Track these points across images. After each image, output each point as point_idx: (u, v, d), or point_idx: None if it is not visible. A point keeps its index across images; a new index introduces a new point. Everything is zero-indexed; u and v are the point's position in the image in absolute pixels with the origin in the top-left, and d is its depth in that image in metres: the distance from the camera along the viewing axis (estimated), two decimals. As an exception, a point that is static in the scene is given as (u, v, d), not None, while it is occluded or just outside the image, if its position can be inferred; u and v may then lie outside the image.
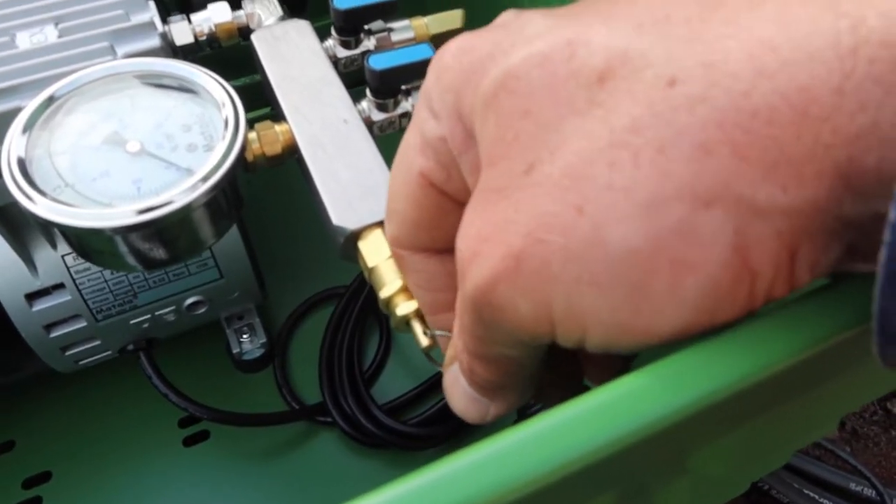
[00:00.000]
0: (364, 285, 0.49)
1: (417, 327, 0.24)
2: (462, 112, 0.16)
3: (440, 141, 0.17)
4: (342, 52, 0.32)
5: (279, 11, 0.34)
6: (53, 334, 0.37)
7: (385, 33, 0.33)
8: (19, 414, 0.45)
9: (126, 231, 0.25)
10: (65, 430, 0.45)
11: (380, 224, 0.26)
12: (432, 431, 0.44)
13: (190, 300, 0.39)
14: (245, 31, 0.33)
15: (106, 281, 0.36)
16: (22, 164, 0.25)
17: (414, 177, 0.18)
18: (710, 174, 0.12)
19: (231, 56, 0.35)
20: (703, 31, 0.13)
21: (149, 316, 0.39)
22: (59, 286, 0.36)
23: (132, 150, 0.26)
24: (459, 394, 0.20)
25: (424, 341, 0.24)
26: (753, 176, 0.12)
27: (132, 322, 0.39)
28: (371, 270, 0.25)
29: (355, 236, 0.26)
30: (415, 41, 0.33)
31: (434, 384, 0.47)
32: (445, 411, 0.45)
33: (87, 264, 0.36)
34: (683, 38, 0.13)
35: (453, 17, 0.34)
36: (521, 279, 0.14)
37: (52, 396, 0.46)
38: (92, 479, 0.44)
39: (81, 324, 0.37)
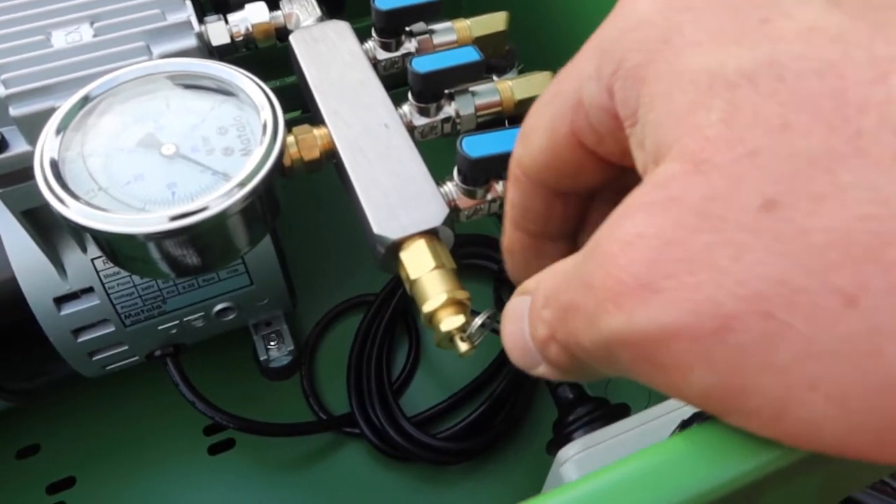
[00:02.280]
0: (393, 294, 0.48)
1: (461, 344, 0.23)
2: (646, 78, 0.13)
3: (600, 110, 0.15)
4: (383, 55, 0.31)
5: (318, 12, 0.33)
6: (81, 339, 0.36)
7: (427, 35, 0.32)
8: (44, 418, 0.45)
9: (159, 238, 0.24)
10: (89, 436, 0.45)
11: (423, 234, 0.25)
12: (462, 447, 0.43)
13: (219, 306, 0.39)
14: (282, 32, 0.33)
15: (135, 286, 0.36)
16: (55, 165, 0.25)
17: (561, 130, 0.16)
18: None
19: (264, 57, 0.35)
20: None
21: (177, 322, 0.38)
22: (88, 290, 0.35)
23: (167, 153, 0.26)
24: (517, 331, 0.17)
25: (464, 347, 0.23)
26: None
27: (160, 328, 0.38)
28: (413, 283, 0.24)
29: (396, 246, 0.25)
30: (457, 44, 0.32)
31: (464, 397, 0.46)
32: (476, 427, 0.44)
33: (117, 268, 0.35)
34: None
35: (497, 20, 0.33)
36: (718, 351, 0.11)
37: (77, 401, 0.45)
38: (115, 485, 0.43)
39: (110, 329, 0.37)
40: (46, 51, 0.29)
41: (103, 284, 0.35)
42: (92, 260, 0.35)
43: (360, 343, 0.46)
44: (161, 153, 0.26)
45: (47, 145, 0.25)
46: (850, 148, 0.11)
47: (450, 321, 0.23)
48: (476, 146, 0.27)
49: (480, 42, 0.32)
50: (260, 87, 0.27)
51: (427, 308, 0.23)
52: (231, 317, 0.39)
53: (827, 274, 0.10)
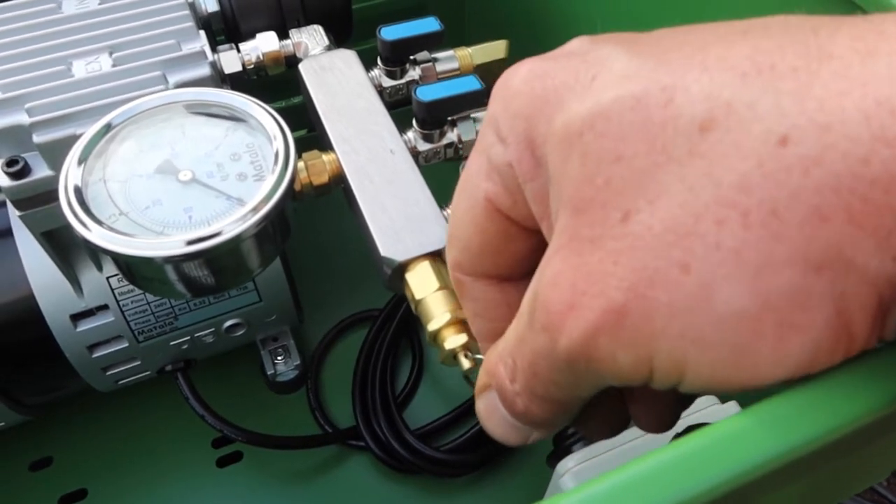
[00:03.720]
0: (397, 309, 0.49)
1: (464, 361, 0.24)
2: (534, 140, 0.16)
3: (507, 167, 0.17)
4: (388, 82, 0.33)
5: (325, 41, 0.34)
6: (96, 354, 0.37)
7: (430, 63, 0.33)
8: (57, 430, 0.46)
9: (176, 261, 0.25)
10: (101, 448, 0.46)
11: (427, 256, 0.26)
12: (465, 459, 0.44)
13: (229, 322, 0.40)
14: (292, 60, 0.34)
15: (148, 303, 0.37)
16: (78, 191, 0.26)
17: (479, 202, 0.18)
18: (824, 240, 0.12)
19: (270, 80, 0.36)
20: (813, 84, 0.13)
21: (188, 338, 0.39)
22: (103, 307, 0.36)
23: (184, 178, 0.27)
24: (498, 421, 0.20)
25: (468, 364, 0.24)
26: (867, 244, 0.12)
27: (172, 343, 0.39)
28: (418, 303, 0.25)
29: (402, 268, 0.26)
30: (459, 71, 0.34)
31: (466, 410, 0.47)
32: (478, 439, 0.45)
33: (132, 286, 0.36)
34: (793, 93, 0.13)
35: (497, 48, 0.34)
36: (623, 333, 0.14)
37: (89, 414, 0.46)
38: (126, 497, 0.44)
39: (123, 344, 0.38)
40: (67, 80, 0.31)
41: (118, 302, 0.36)
42: (107, 278, 0.36)
43: (365, 357, 0.47)
44: (178, 179, 0.27)
45: (71, 171, 0.26)
46: (663, 157, 0.14)
47: (453, 339, 0.24)
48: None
49: (481, 69, 0.34)
50: (271, 115, 0.28)
51: (431, 327, 0.24)
52: (240, 333, 0.41)
53: (669, 252, 0.13)
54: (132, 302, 0.37)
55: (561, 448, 0.38)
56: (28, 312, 0.35)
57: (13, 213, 0.36)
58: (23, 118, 0.30)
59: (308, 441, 0.44)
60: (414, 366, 0.49)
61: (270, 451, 0.44)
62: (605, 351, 0.14)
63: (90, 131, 0.27)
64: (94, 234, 0.25)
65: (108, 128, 0.27)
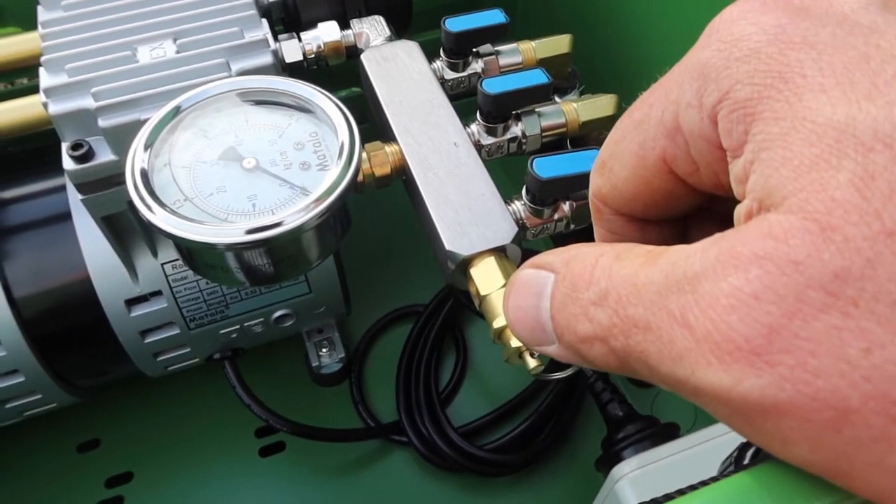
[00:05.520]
0: (442, 306, 0.49)
1: (530, 360, 0.23)
2: (759, 115, 0.13)
3: (700, 139, 0.14)
4: (450, 74, 0.32)
5: (387, 31, 0.34)
6: (148, 340, 0.38)
7: (493, 56, 0.32)
8: (104, 413, 0.46)
9: (238, 248, 0.25)
10: (146, 432, 0.46)
11: (492, 251, 0.25)
12: (508, 459, 0.43)
13: (278, 313, 0.40)
14: (352, 51, 0.34)
15: (201, 290, 0.37)
16: (145, 175, 0.26)
17: (651, 158, 0.16)
18: None
19: (319, 71, 0.35)
20: None
21: (238, 326, 0.39)
22: (157, 293, 0.36)
23: (248, 166, 0.27)
24: (528, 313, 0.17)
25: (533, 363, 0.23)
26: None
27: (222, 332, 0.39)
28: (483, 298, 0.24)
29: (466, 263, 0.25)
30: (522, 65, 0.33)
31: (510, 410, 0.46)
32: (521, 439, 0.44)
33: (185, 273, 0.36)
34: None
35: (561, 42, 0.34)
36: (827, 436, 0.11)
37: (135, 398, 0.47)
38: (171, 482, 0.44)
39: (175, 331, 0.38)
40: (132, 66, 0.31)
41: (171, 288, 0.36)
42: (162, 265, 0.36)
43: (410, 353, 0.47)
44: (242, 166, 0.27)
45: (138, 155, 0.26)
46: None
47: (519, 338, 0.23)
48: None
49: (544, 63, 0.33)
50: (337, 105, 0.28)
51: (497, 324, 0.24)
52: (289, 323, 0.41)
53: None
54: (185, 289, 0.37)
55: (611, 453, 0.37)
56: (84, 296, 0.36)
57: (73, 198, 0.36)
58: (88, 102, 0.30)
59: (352, 434, 0.44)
60: (458, 363, 0.48)
61: (313, 442, 0.44)
62: (780, 433, 0.12)
63: (158, 115, 0.27)
64: (159, 218, 0.25)
65: (176, 111, 0.27)
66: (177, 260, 0.36)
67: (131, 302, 0.36)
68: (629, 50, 0.41)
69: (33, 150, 0.39)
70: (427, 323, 0.48)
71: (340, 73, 0.35)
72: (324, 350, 0.46)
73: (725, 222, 0.19)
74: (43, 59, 0.31)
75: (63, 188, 0.36)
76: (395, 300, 0.51)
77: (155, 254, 0.36)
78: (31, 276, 0.36)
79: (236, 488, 0.44)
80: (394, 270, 0.53)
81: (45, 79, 0.31)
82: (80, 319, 0.37)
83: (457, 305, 0.49)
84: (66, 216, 0.36)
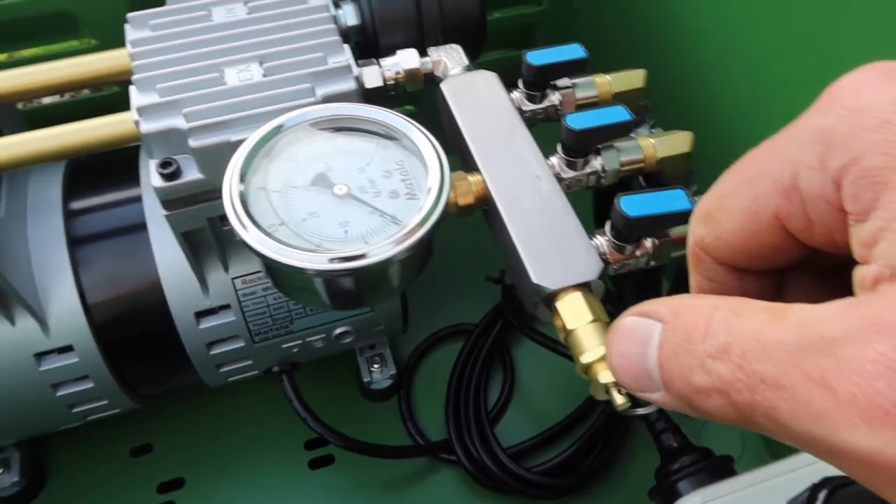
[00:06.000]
0: (492, 326, 0.49)
1: (617, 396, 0.24)
2: (891, 182, 0.13)
3: (820, 200, 0.15)
4: (527, 106, 0.33)
5: (464, 61, 0.34)
6: (213, 351, 0.38)
7: (570, 89, 0.33)
8: (158, 419, 0.47)
9: (328, 275, 0.26)
10: (198, 440, 0.47)
11: (578, 287, 0.26)
12: (557, 482, 0.44)
13: (340, 329, 0.40)
14: (430, 78, 0.34)
15: (268, 306, 0.38)
16: (242, 197, 0.26)
17: (764, 213, 0.16)
18: None
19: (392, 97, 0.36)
20: None
21: (300, 342, 0.40)
22: (226, 307, 0.37)
23: (339, 193, 0.27)
24: (633, 360, 0.17)
25: (620, 400, 0.24)
26: None
27: (284, 346, 0.40)
28: (570, 333, 0.25)
29: (552, 296, 0.26)
30: (597, 98, 0.34)
31: (557, 433, 0.47)
32: (570, 463, 0.45)
33: (254, 288, 0.37)
34: None
35: (636, 77, 0.34)
36: None
37: (187, 405, 0.48)
38: (221, 490, 0.45)
39: (240, 344, 0.39)
40: (221, 87, 0.32)
41: (240, 303, 0.37)
42: (232, 279, 0.37)
43: (460, 372, 0.48)
44: (333, 193, 0.27)
45: (234, 178, 0.27)
46: None
47: (608, 374, 0.24)
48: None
49: (618, 97, 0.34)
50: (426, 135, 0.28)
51: (585, 359, 0.24)
52: (349, 340, 0.41)
53: None
54: (253, 304, 0.37)
55: (666, 484, 0.38)
56: (156, 306, 0.37)
57: (149, 210, 0.37)
58: (179, 122, 0.31)
59: (403, 451, 0.44)
60: (505, 384, 0.49)
61: (361, 457, 0.44)
62: None
63: (255, 137, 0.28)
64: (252, 238, 0.26)
65: (277, 130, 0.28)
66: (247, 275, 0.37)
67: (201, 314, 0.37)
68: (702, 88, 0.41)
69: (109, 160, 0.40)
70: (477, 342, 0.49)
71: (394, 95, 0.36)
72: (375, 366, 0.47)
73: (823, 276, 0.20)
74: (134, 77, 0.32)
75: (139, 199, 0.37)
76: (442, 319, 0.52)
77: (226, 268, 0.37)
78: (105, 283, 0.37)
79: (285, 499, 0.45)
80: (442, 289, 0.53)
81: (137, 97, 0.31)
82: (150, 328, 0.38)
83: (506, 326, 0.49)
84: (141, 227, 0.37)
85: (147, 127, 0.31)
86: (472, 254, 0.51)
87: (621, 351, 0.18)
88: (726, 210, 0.18)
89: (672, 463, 0.38)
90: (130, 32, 0.34)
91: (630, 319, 0.18)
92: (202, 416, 0.48)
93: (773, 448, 0.46)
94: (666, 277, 0.43)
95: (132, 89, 0.32)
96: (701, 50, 0.43)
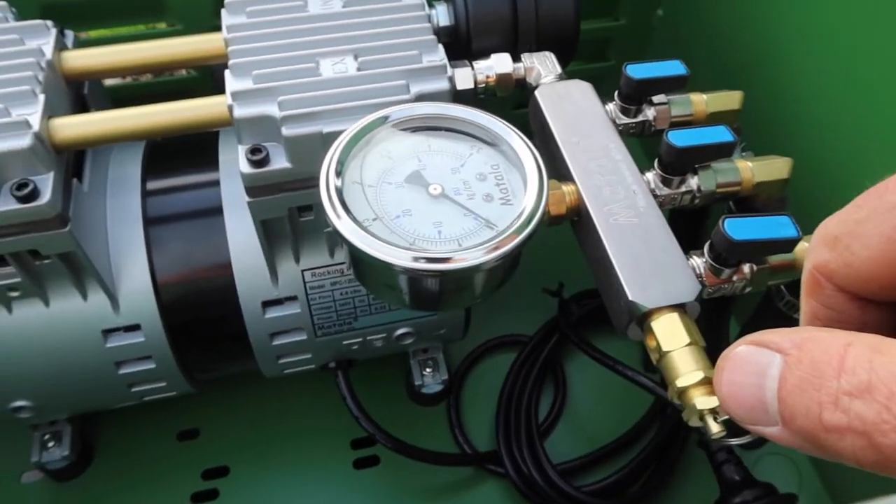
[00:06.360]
0: (547, 340, 0.49)
1: (712, 424, 0.23)
2: None
3: None
4: (621, 119, 0.32)
5: (557, 69, 0.34)
6: (276, 342, 0.38)
7: (665, 105, 0.32)
8: (206, 403, 0.47)
9: (419, 275, 0.25)
10: (244, 429, 0.47)
11: (674, 307, 0.25)
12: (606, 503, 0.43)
13: (401, 330, 0.40)
14: (521, 84, 0.34)
15: (334, 301, 0.37)
16: (339, 191, 0.26)
17: None
18: None
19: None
20: None
21: (360, 339, 0.40)
22: (293, 298, 0.37)
23: (434, 192, 0.27)
24: (748, 391, 0.16)
25: (716, 428, 0.23)
26: None
27: (344, 342, 0.40)
28: (664, 355, 0.24)
29: (647, 315, 0.25)
30: (692, 117, 0.33)
31: (608, 453, 0.46)
32: (619, 485, 0.44)
33: (322, 282, 0.37)
34: None
35: (733, 98, 0.33)
36: None
37: (235, 392, 0.48)
38: (265, 482, 0.45)
39: (302, 336, 0.38)
40: (316, 78, 0.31)
41: (307, 295, 0.37)
42: (302, 271, 0.37)
43: (511, 384, 0.47)
44: (428, 192, 0.27)
45: (332, 167, 0.26)
46: None
47: (704, 400, 0.23)
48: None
49: (715, 117, 0.33)
50: (525, 142, 0.28)
51: (681, 383, 0.23)
52: (408, 342, 0.41)
53: None
54: (320, 297, 0.37)
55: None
56: (225, 291, 0.37)
57: (226, 195, 0.37)
58: (272, 110, 0.31)
59: (452, 459, 0.44)
60: (556, 399, 0.48)
61: (406, 461, 0.44)
62: None
63: (354, 128, 0.27)
64: (345, 228, 0.25)
65: (383, 120, 0.28)
66: (317, 268, 0.37)
67: (268, 303, 0.37)
68: (797, 112, 0.40)
69: (186, 142, 0.40)
70: (531, 354, 0.48)
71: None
72: (427, 370, 0.46)
73: None
74: (230, 62, 0.32)
75: (217, 183, 0.37)
76: (494, 328, 0.51)
77: (297, 259, 0.37)
78: (177, 265, 0.37)
79: (330, 496, 0.45)
80: (497, 298, 0.52)
81: (232, 82, 0.31)
82: (217, 313, 0.37)
83: (561, 340, 0.49)
84: (217, 211, 0.37)
85: (241, 112, 0.31)
86: (529, 264, 0.50)
87: (734, 380, 0.17)
88: (861, 236, 0.17)
89: (733, 496, 0.37)
90: (227, 18, 0.34)
91: (745, 348, 0.17)
92: (250, 405, 0.48)
93: (834, 487, 0.45)
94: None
95: (227, 73, 0.32)
96: (794, 77, 0.42)
